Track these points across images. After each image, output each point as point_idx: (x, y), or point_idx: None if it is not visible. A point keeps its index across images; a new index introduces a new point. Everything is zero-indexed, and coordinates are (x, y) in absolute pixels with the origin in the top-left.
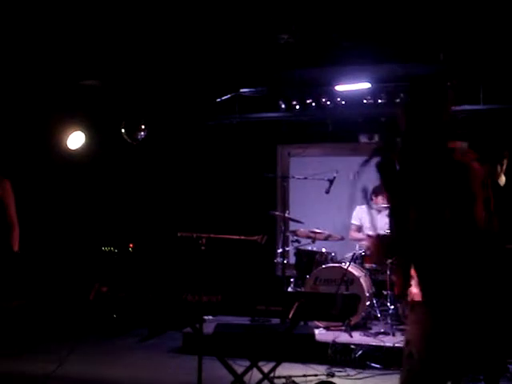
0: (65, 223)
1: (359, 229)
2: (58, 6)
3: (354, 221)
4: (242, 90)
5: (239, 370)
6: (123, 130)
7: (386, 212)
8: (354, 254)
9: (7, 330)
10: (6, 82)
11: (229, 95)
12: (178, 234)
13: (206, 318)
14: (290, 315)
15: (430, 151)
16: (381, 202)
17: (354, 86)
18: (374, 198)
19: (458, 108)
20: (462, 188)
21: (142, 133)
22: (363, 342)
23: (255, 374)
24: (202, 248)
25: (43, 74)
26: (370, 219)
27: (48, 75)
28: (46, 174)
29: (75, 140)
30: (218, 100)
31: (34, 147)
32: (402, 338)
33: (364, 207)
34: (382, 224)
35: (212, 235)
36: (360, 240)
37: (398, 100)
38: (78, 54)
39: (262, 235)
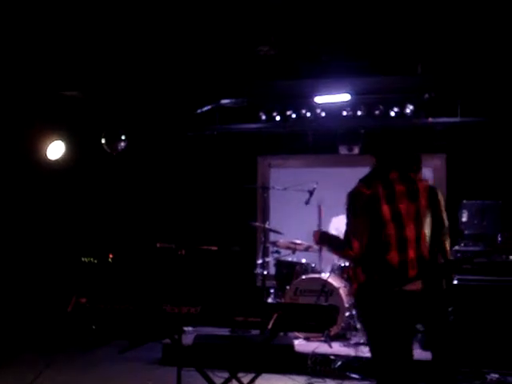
0: (44, 233)
1: None
2: (40, 17)
3: (332, 232)
4: (222, 101)
5: (218, 381)
6: (103, 141)
7: None
8: (334, 264)
9: None
10: None
11: (209, 106)
12: (158, 245)
13: (185, 329)
14: (269, 326)
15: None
16: None
17: (333, 98)
18: None
19: (435, 120)
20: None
21: (122, 143)
22: (343, 353)
23: None
24: (182, 259)
25: (24, 84)
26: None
27: (29, 85)
28: (26, 184)
29: (55, 150)
30: (199, 111)
31: (14, 156)
32: None
33: (340, 218)
34: None
35: (192, 246)
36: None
37: (376, 112)
38: (58, 65)
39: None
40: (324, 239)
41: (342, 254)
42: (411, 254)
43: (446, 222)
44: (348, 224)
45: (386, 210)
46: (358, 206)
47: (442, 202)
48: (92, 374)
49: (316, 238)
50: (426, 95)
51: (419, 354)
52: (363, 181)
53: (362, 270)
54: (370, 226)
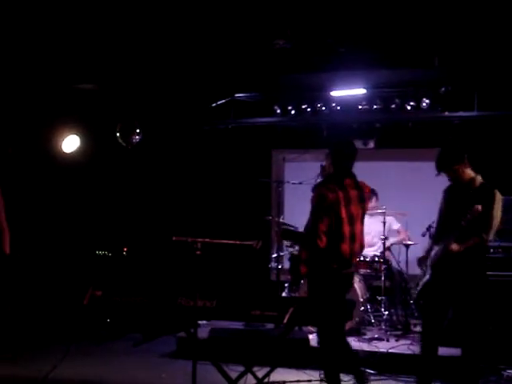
0: (59, 227)
1: None
2: (55, 11)
3: None
4: (237, 95)
5: (233, 375)
6: (118, 134)
7: (378, 218)
8: None
9: (1, 334)
10: (2, 86)
11: (224, 100)
12: (173, 239)
13: (200, 322)
14: (285, 320)
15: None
16: (372, 206)
17: (349, 92)
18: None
19: (452, 114)
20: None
21: (137, 136)
22: (357, 348)
23: (249, 379)
24: (197, 252)
25: (39, 78)
26: None
27: (43, 79)
28: (41, 177)
29: (70, 143)
30: (214, 105)
31: (29, 150)
32: (397, 343)
33: None
34: (372, 228)
35: (207, 240)
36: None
37: (392, 105)
38: (73, 58)
39: (258, 240)
40: (287, 235)
41: (310, 247)
42: (356, 246)
43: None
44: (317, 222)
45: (343, 211)
46: (323, 207)
47: None
48: (107, 366)
49: (278, 234)
50: (443, 89)
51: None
52: (325, 185)
53: (323, 258)
54: (332, 224)
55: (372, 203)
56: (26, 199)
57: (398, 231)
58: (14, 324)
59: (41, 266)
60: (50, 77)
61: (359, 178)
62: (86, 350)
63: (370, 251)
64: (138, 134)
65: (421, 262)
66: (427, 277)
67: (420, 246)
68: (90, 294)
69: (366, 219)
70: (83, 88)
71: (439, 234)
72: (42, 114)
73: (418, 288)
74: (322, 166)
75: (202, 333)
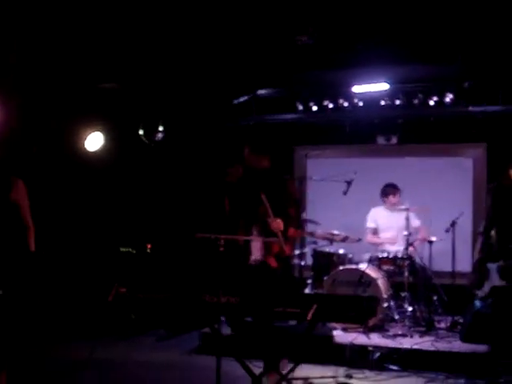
0: (83, 224)
1: (375, 231)
2: (78, 10)
3: (369, 224)
4: (259, 92)
5: (257, 371)
6: (141, 132)
7: (401, 213)
8: (371, 255)
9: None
10: (26, 85)
11: (246, 97)
12: (196, 235)
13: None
14: (309, 317)
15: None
16: (393, 201)
17: (371, 87)
18: (385, 198)
19: (475, 109)
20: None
21: (160, 134)
22: (381, 344)
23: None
24: (220, 249)
25: (62, 77)
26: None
27: (67, 78)
28: (65, 175)
29: (94, 141)
30: (236, 101)
31: (53, 149)
32: (420, 339)
33: (378, 208)
34: (399, 223)
35: (230, 237)
36: (376, 243)
37: (415, 101)
38: (97, 58)
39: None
40: None
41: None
42: None
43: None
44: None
45: None
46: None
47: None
48: (131, 361)
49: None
50: (466, 83)
51: (459, 346)
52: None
53: None
54: None
55: (394, 199)
56: (50, 197)
57: (418, 229)
58: (39, 320)
59: (66, 264)
60: (74, 76)
61: (381, 175)
62: (111, 345)
63: (393, 248)
64: (160, 131)
65: (482, 263)
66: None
67: (443, 242)
68: (114, 291)
69: (389, 215)
70: (107, 87)
71: (503, 239)
72: (66, 112)
73: (484, 290)
74: None
75: (226, 329)
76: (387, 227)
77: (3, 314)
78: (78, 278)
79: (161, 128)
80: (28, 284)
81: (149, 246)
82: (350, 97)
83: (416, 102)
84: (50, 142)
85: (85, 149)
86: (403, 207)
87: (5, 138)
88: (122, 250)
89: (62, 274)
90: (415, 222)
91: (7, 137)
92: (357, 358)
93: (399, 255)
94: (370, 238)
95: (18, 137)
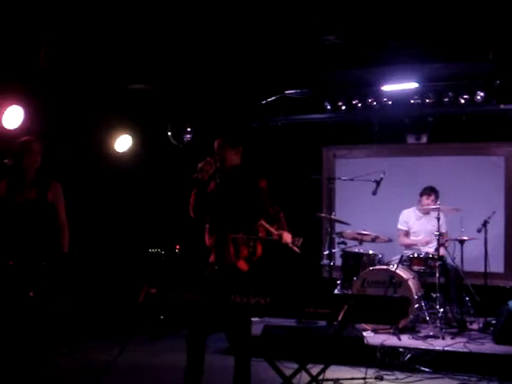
0: (113, 226)
1: (407, 233)
2: (108, 11)
3: (401, 226)
4: (287, 92)
5: (287, 372)
6: (169, 133)
7: (434, 214)
8: (402, 256)
9: (56, 330)
10: (55, 87)
11: (274, 97)
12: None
13: (252, 319)
14: (340, 318)
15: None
16: (426, 203)
17: (400, 86)
18: (420, 199)
19: (507, 107)
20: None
21: (188, 135)
22: (412, 346)
23: (303, 377)
24: (250, 250)
25: (91, 79)
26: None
27: (96, 79)
28: (94, 177)
29: (123, 143)
30: (264, 102)
31: (83, 150)
32: (452, 341)
33: (410, 210)
34: (429, 226)
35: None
36: (410, 245)
37: (446, 99)
38: (125, 59)
39: (298, 237)
40: None
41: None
42: None
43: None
44: None
45: None
46: None
47: None
48: (160, 362)
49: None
50: (498, 81)
51: (492, 347)
52: None
53: None
54: None
55: (428, 200)
56: (79, 199)
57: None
58: (70, 320)
59: (96, 265)
60: (103, 77)
61: (411, 174)
62: (141, 345)
63: (424, 249)
64: (189, 132)
65: None
66: None
67: (475, 242)
68: (144, 292)
69: (419, 218)
70: (135, 88)
71: None
72: (95, 114)
73: None
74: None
75: (256, 330)
76: (418, 230)
77: (35, 315)
78: (109, 279)
79: (189, 129)
80: (59, 285)
81: (177, 247)
82: (379, 96)
83: (446, 100)
84: (80, 144)
85: (114, 150)
86: (433, 207)
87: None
88: (151, 250)
89: (93, 275)
90: (443, 227)
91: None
92: (387, 359)
93: (430, 255)
94: (401, 239)
95: (48, 139)
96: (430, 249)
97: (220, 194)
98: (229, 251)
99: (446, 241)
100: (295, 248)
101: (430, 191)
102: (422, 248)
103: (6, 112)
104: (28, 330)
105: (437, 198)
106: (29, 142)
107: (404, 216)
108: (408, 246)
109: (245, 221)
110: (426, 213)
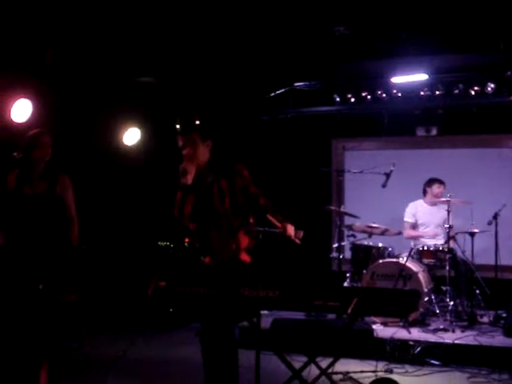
0: (122, 219)
1: (413, 226)
2: (114, 5)
3: (408, 218)
4: (296, 84)
5: (296, 365)
6: (178, 126)
7: (441, 206)
8: (412, 248)
9: (66, 323)
10: (63, 80)
11: (283, 89)
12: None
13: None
14: (349, 311)
15: None
16: (439, 191)
17: (410, 78)
18: (429, 189)
19: None
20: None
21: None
22: (422, 339)
23: (313, 370)
24: (251, 241)
25: (99, 72)
26: None
27: (104, 73)
28: (103, 170)
29: (131, 136)
30: (273, 94)
31: (91, 144)
32: (462, 334)
33: (417, 203)
34: (436, 218)
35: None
36: (416, 237)
37: (456, 91)
38: (133, 52)
39: (298, 230)
40: None
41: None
42: None
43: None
44: None
45: None
46: None
47: None
48: (170, 355)
49: None
50: (509, 72)
51: (503, 340)
52: None
53: None
54: None
55: (440, 189)
56: (89, 192)
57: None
58: (80, 313)
59: (105, 258)
60: (111, 71)
61: (421, 166)
62: (150, 338)
63: (432, 241)
64: (197, 125)
65: None
66: None
67: (486, 234)
68: (154, 285)
69: (428, 210)
70: (143, 81)
71: None
72: (104, 107)
73: None
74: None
75: (265, 323)
76: (426, 222)
77: (44, 308)
78: (118, 272)
79: (197, 122)
80: (69, 278)
81: (187, 240)
82: (388, 88)
83: (456, 92)
84: (88, 138)
85: (123, 144)
86: (444, 199)
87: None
88: (160, 243)
89: (102, 269)
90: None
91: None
92: (397, 352)
93: (440, 248)
94: (408, 232)
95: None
96: (438, 241)
97: (206, 197)
98: (230, 247)
99: (456, 234)
100: (296, 240)
101: (440, 180)
102: (429, 241)
103: (14, 105)
104: (37, 323)
105: (444, 187)
106: (39, 135)
107: (411, 208)
108: (415, 238)
109: (241, 218)
110: (434, 204)
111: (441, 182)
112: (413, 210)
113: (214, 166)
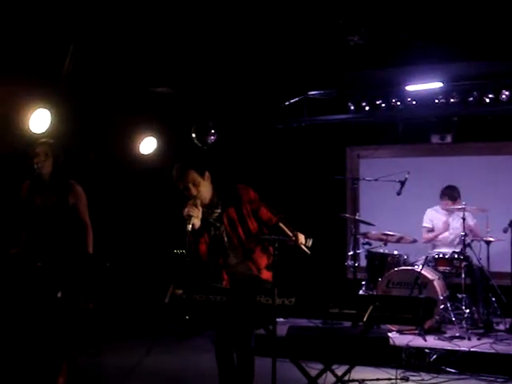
0: (138, 227)
1: (431, 231)
2: (131, 15)
3: (426, 223)
4: (310, 93)
5: (312, 372)
6: (193, 135)
7: (458, 213)
8: (427, 256)
9: (84, 331)
10: (81, 90)
11: (297, 98)
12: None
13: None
14: (365, 318)
15: None
16: (451, 203)
17: (425, 86)
18: (443, 198)
19: None
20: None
21: (212, 137)
22: (438, 346)
23: (329, 377)
24: (275, 251)
25: (117, 82)
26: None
27: (121, 82)
28: (120, 179)
29: (147, 145)
30: (287, 103)
31: (108, 153)
32: (479, 342)
33: (434, 209)
34: (454, 225)
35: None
36: (433, 239)
37: (470, 99)
38: (149, 62)
39: (308, 238)
40: None
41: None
42: None
43: None
44: None
45: None
46: None
47: None
48: (185, 362)
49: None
50: None
51: None
52: None
53: None
54: None
55: (448, 205)
56: (105, 200)
57: (472, 228)
58: (98, 321)
59: (122, 266)
60: (128, 81)
61: (436, 174)
62: (166, 346)
63: (449, 249)
64: (213, 134)
65: None
66: None
67: (502, 242)
68: (170, 293)
69: (444, 217)
70: (159, 91)
71: None
72: (120, 117)
73: None
74: None
75: (281, 330)
76: (442, 228)
77: (62, 316)
78: (135, 279)
79: (213, 131)
80: (87, 286)
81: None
82: (403, 96)
83: (471, 99)
84: (105, 147)
85: (139, 153)
86: (459, 207)
87: (62, 143)
88: (176, 251)
89: (118, 276)
90: (471, 222)
91: (64, 143)
92: (413, 360)
93: (456, 256)
94: (425, 235)
95: (73, 142)
96: (455, 248)
97: (219, 232)
98: (250, 269)
99: (472, 241)
100: (305, 249)
101: (451, 194)
102: (444, 249)
103: (33, 116)
104: (55, 330)
105: (459, 197)
106: (36, 145)
107: (428, 215)
108: (431, 241)
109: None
110: (451, 211)
111: (450, 198)
112: (430, 216)
113: (218, 195)
